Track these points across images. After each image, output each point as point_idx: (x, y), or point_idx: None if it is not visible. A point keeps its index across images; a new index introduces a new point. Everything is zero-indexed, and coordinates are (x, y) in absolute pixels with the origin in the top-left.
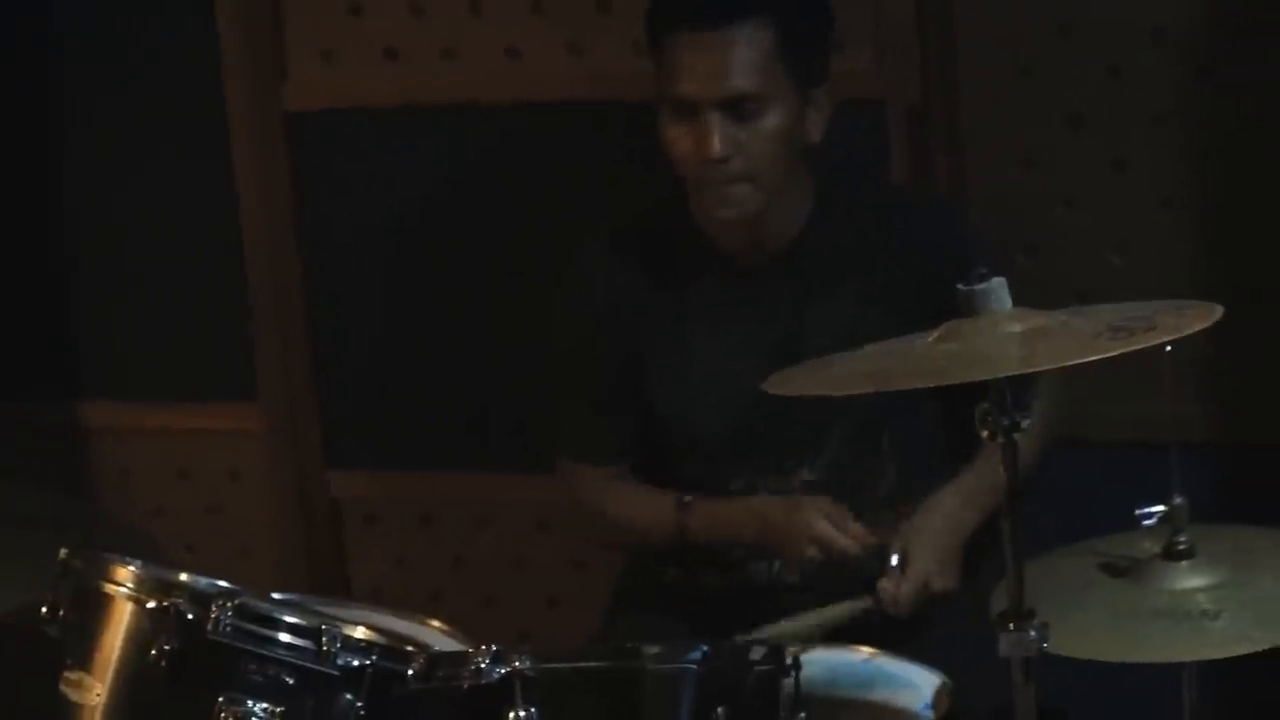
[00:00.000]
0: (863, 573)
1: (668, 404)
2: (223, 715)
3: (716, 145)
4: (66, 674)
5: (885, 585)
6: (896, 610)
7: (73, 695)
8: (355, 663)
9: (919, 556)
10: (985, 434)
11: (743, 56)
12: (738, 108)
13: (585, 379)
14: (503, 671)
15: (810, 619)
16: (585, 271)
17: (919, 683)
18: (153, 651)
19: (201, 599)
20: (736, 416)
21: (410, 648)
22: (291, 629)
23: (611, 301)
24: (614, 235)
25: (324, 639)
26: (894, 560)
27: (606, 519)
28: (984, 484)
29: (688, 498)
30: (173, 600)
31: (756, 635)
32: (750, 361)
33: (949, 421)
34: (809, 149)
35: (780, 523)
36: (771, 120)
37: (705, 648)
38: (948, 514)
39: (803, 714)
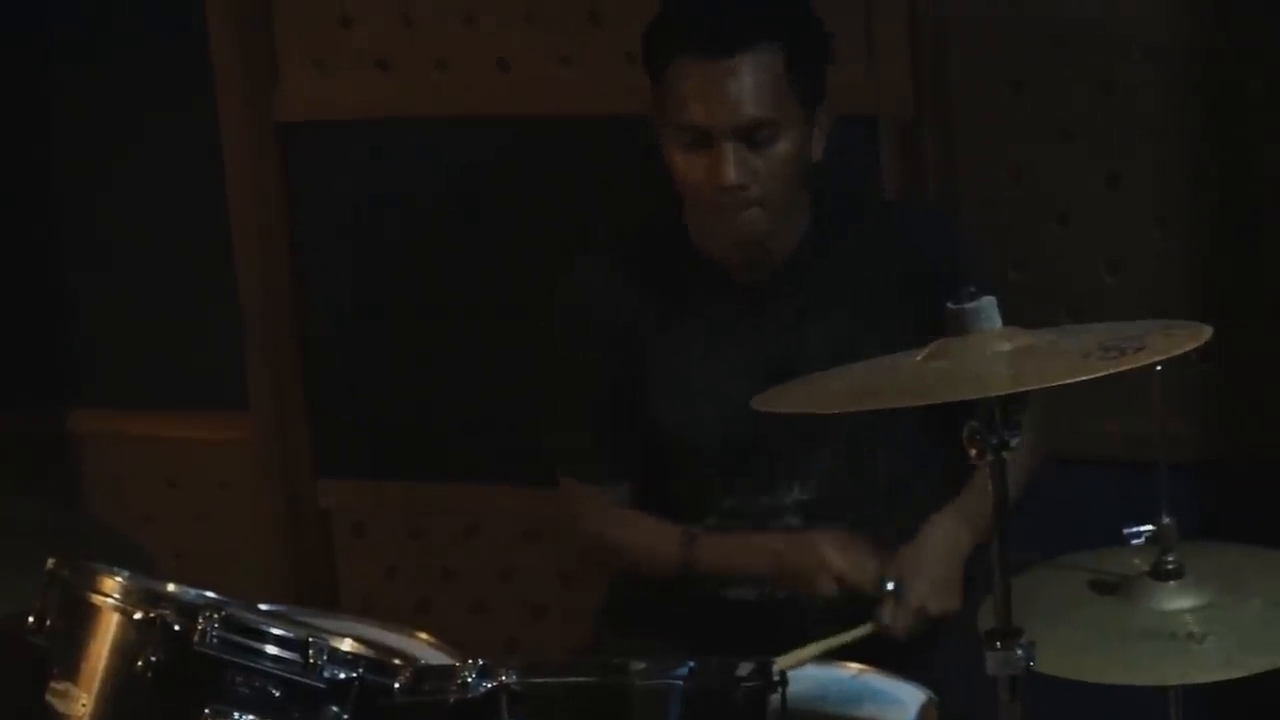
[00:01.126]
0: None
1: (663, 419)
2: None
3: (732, 174)
4: (53, 684)
5: (883, 612)
6: (895, 635)
7: (59, 706)
8: (342, 675)
9: (917, 581)
10: (974, 453)
11: (754, 82)
12: (751, 134)
13: (583, 396)
14: (489, 686)
15: (810, 650)
16: (580, 286)
17: (906, 699)
18: (139, 663)
19: (188, 610)
20: (731, 433)
21: (397, 661)
22: (278, 641)
23: (607, 316)
24: (609, 249)
25: (311, 651)
26: (890, 586)
27: (610, 546)
28: (981, 506)
29: (696, 530)
30: (159, 611)
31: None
32: (747, 377)
33: (943, 441)
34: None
35: (795, 559)
36: (783, 145)
37: (692, 663)
38: (945, 537)
39: None
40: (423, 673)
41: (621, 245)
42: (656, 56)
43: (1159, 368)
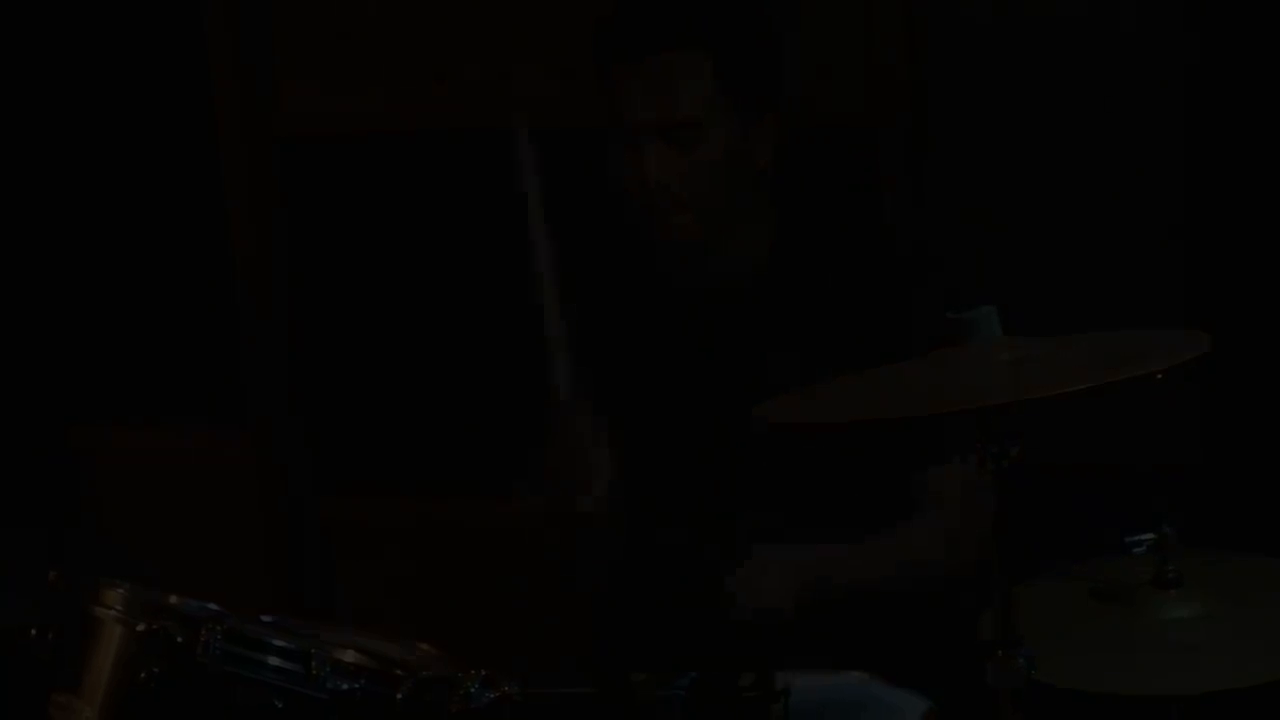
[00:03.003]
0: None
1: (622, 439)
2: None
3: (653, 172)
4: (55, 697)
5: None
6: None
7: (61, 718)
8: (344, 687)
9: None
10: (977, 463)
11: (680, 84)
12: (677, 135)
13: (546, 407)
14: (491, 697)
15: None
16: (554, 300)
17: (907, 708)
18: (141, 675)
19: (190, 622)
20: (687, 457)
21: (399, 672)
22: (280, 653)
23: (576, 334)
24: (585, 264)
25: (313, 663)
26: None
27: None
28: (890, 552)
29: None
30: (162, 623)
31: None
32: (705, 399)
33: (915, 466)
34: (767, 177)
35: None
36: (711, 148)
37: (694, 674)
38: (822, 552)
39: None
40: (424, 684)
41: (593, 262)
42: (597, 59)
43: (1160, 376)
